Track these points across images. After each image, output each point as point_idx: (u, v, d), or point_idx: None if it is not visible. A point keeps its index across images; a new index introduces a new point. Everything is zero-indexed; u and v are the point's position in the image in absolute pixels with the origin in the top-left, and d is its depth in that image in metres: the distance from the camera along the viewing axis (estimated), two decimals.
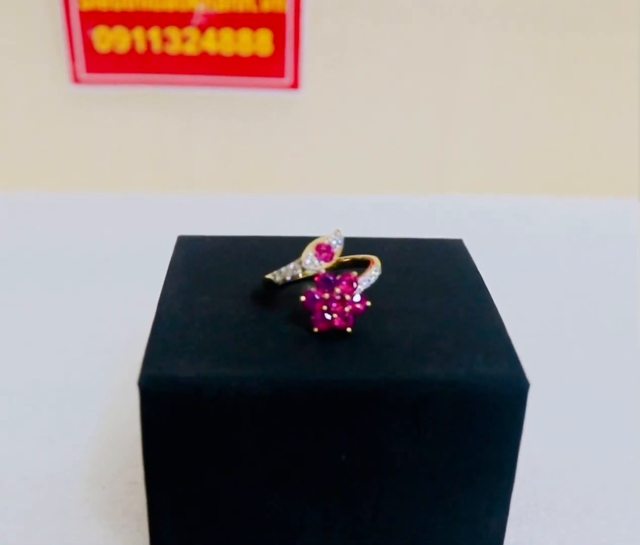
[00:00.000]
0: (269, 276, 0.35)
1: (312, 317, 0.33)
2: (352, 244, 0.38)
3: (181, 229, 0.73)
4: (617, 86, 0.80)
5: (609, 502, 0.40)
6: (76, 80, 0.76)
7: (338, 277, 0.33)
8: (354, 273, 0.33)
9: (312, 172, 0.83)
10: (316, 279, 0.33)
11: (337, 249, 0.34)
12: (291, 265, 0.34)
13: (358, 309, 0.33)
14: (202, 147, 0.81)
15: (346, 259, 0.37)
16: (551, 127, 0.82)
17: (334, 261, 0.34)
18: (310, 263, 0.33)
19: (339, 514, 0.33)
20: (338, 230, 0.35)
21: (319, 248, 0.34)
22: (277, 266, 0.39)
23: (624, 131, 0.82)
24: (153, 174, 0.82)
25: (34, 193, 0.81)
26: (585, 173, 0.84)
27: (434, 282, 0.38)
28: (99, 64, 0.75)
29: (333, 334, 0.33)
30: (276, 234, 0.73)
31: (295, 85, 0.77)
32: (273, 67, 0.76)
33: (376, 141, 0.82)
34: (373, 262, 0.35)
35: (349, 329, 0.33)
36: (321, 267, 0.34)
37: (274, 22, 0.74)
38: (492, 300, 0.37)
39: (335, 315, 0.33)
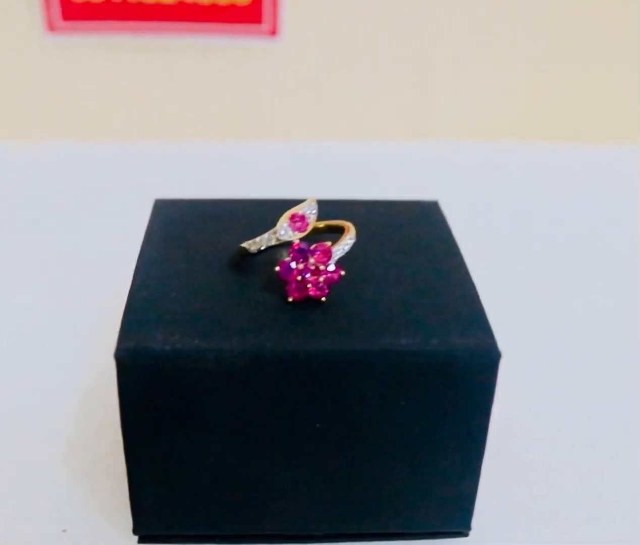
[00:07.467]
0: (244, 245, 0.36)
1: (287, 287, 0.33)
2: (326, 207, 0.38)
3: (160, 179, 0.74)
4: (619, 28, 0.79)
5: (576, 461, 0.42)
6: (51, 28, 0.74)
7: (312, 247, 0.33)
8: (328, 243, 0.33)
9: (291, 122, 0.82)
10: (291, 249, 0.33)
11: (311, 218, 0.34)
12: (266, 235, 0.35)
13: (332, 278, 0.33)
14: (180, 96, 0.80)
15: (321, 224, 0.37)
16: (547, 70, 0.81)
17: (308, 230, 0.34)
18: (284, 234, 0.34)
19: (314, 479, 0.34)
20: (313, 200, 0.35)
21: (293, 218, 0.34)
22: (253, 231, 0.39)
23: (626, 73, 0.81)
24: (130, 124, 0.81)
25: (8, 145, 0.79)
26: (583, 119, 0.84)
27: (408, 247, 0.38)
28: (75, 11, 0.73)
29: (308, 303, 0.33)
30: (255, 184, 0.74)
31: (274, 32, 0.76)
32: (251, 13, 0.75)
33: (358, 89, 0.81)
34: (348, 230, 0.35)
35: (323, 298, 0.33)
36: (295, 237, 0.34)
37: None
38: (465, 265, 0.37)
39: (309, 285, 0.33)
